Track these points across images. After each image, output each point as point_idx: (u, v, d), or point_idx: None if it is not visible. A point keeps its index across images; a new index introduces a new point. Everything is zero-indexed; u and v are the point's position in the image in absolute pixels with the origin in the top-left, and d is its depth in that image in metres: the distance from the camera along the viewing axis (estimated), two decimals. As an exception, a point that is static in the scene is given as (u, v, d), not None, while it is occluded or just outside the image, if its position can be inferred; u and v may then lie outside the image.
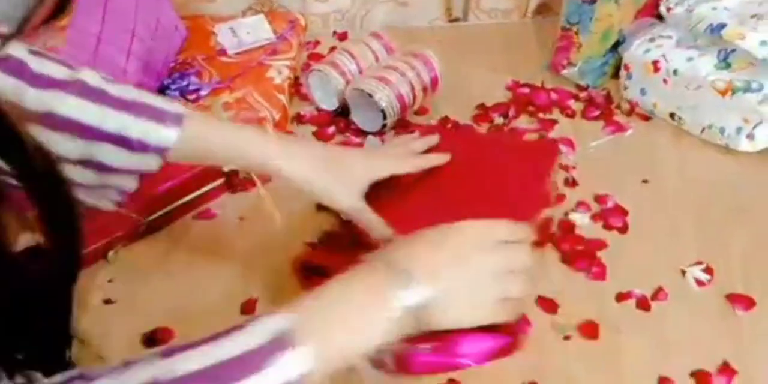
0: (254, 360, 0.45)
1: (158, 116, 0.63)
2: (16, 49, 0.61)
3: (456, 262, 0.54)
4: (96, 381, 0.43)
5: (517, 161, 0.80)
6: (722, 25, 0.85)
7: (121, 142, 0.62)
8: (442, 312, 0.52)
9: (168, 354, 0.45)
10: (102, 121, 0.61)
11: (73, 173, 0.62)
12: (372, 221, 0.69)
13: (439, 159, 0.78)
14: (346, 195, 0.69)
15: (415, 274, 0.51)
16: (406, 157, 0.77)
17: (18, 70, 0.60)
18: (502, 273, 0.56)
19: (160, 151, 0.64)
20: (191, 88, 0.98)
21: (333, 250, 0.73)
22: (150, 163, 0.64)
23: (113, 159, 0.62)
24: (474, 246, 0.55)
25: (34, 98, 0.60)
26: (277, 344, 0.45)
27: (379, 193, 0.72)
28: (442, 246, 0.55)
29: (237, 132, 0.68)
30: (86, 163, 0.62)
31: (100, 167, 0.63)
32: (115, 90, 0.63)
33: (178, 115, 0.64)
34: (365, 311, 0.51)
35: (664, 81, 0.90)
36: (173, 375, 0.43)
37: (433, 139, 0.81)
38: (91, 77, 0.63)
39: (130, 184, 0.66)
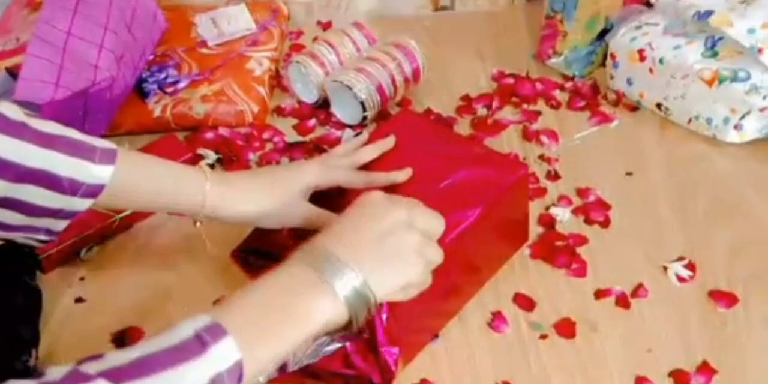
0: (183, 351, 0.44)
1: (89, 153, 0.59)
2: None
3: (378, 244, 0.55)
4: None
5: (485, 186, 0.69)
6: (710, 12, 0.83)
7: (48, 181, 0.57)
8: (379, 286, 0.54)
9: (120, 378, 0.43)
10: (24, 157, 0.56)
11: None
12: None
13: (386, 177, 0.70)
14: (291, 221, 0.67)
15: (343, 261, 0.53)
16: (348, 170, 0.71)
17: None
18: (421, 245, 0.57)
19: (94, 190, 0.59)
20: (169, 80, 0.97)
21: (269, 232, 0.70)
22: (81, 203, 0.60)
23: (40, 200, 0.58)
24: (392, 230, 0.56)
25: None
26: (207, 335, 0.45)
27: (325, 199, 0.69)
28: (364, 229, 0.56)
29: (171, 172, 0.65)
30: (11, 204, 0.57)
31: (26, 209, 0.58)
32: (38, 125, 0.58)
33: (109, 151, 0.60)
34: (299, 303, 0.51)
35: (650, 70, 0.87)
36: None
37: (388, 143, 0.73)
38: (11, 111, 0.57)
39: (59, 225, 0.62)
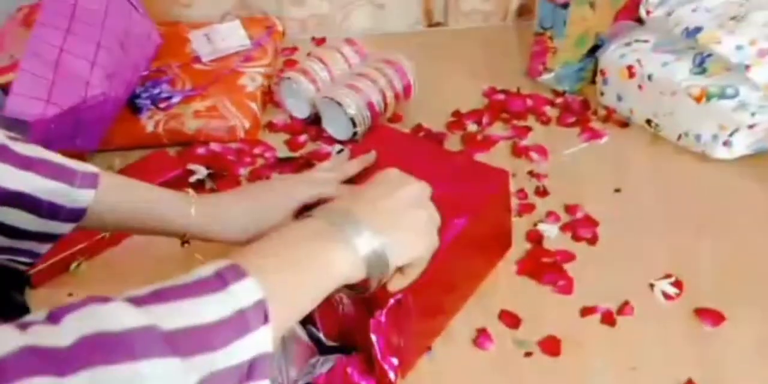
0: (203, 285, 0.43)
1: (69, 176, 0.59)
2: None
3: (395, 214, 0.56)
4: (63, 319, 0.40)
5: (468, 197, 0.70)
6: (698, 29, 0.83)
7: (29, 204, 0.57)
8: (394, 252, 0.54)
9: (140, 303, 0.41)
10: (4, 180, 0.56)
11: None
12: None
13: None
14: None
15: (363, 222, 0.53)
16: (333, 183, 0.71)
17: None
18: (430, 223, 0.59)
19: (75, 214, 0.60)
20: (163, 96, 0.98)
21: None
22: (62, 227, 0.60)
23: (22, 223, 0.58)
24: (408, 203, 0.58)
25: None
26: (227, 274, 0.44)
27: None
28: (382, 199, 0.57)
29: (155, 196, 0.65)
30: None
31: (8, 232, 0.58)
32: (19, 148, 0.58)
33: (90, 175, 0.61)
34: (320, 263, 0.51)
35: (639, 87, 0.87)
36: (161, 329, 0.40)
37: (370, 158, 0.74)
38: None
39: (42, 248, 0.62)
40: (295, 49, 1.10)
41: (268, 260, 0.48)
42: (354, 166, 0.73)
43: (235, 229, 0.66)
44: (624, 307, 0.72)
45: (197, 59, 1.04)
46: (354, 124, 0.90)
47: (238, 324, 0.42)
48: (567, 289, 0.74)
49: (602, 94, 0.94)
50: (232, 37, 1.05)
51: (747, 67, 0.79)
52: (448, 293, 0.71)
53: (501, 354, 0.69)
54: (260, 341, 0.43)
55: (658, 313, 0.71)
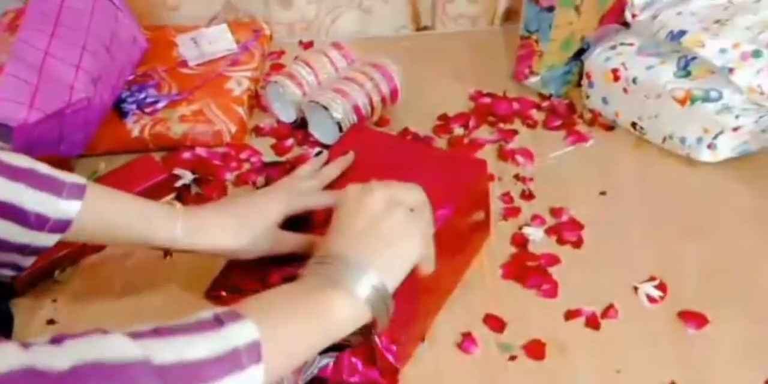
0: (200, 325, 0.45)
1: (56, 187, 0.59)
2: None
3: (374, 232, 0.57)
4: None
5: (445, 182, 0.71)
6: (682, 32, 0.83)
7: (14, 215, 0.57)
8: (391, 276, 0.56)
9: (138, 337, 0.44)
10: None
11: None
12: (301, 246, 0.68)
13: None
14: (266, 250, 0.68)
15: (354, 262, 0.54)
16: (315, 192, 0.72)
17: None
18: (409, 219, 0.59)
19: (61, 225, 0.60)
20: (148, 100, 0.97)
21: (243, 271, 0.71)
22: (47, 239, 0.60)
23: (6, 234, 0.58)
24: (379, 214, 0.58)
25: None
26: (225, 317, 0.46)
27: (297, 224, 0.70)
28: (355, 223, 0.57)
29: (141, 208, 0.65)
30: None
31: None
32: (5, 157, 0.58)
33: (77, 186, 0.61)
34: (323, 315, 0.52)
35: (625, 90, 0.88)
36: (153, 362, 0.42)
37: (348, 159, 0.75)
38: None
39: (26, 261, 0.62)
40: (282, 53, 1.10)
41: (267, 309, 0.50)
42: (333, 171, 0.73)
43: (222, 241, 0.66)
44: (608, 311, 0.72)
45: (184, 63, 1.04)
46: (340, 129, 0.90)
47: (231, 362, 0.44)
48: (551, 292, 0.74)
49: (588, 97, 0.94)
50: (219, 41, 1.05)
51: (731, 70, 0.80)
52: (434, 286, 0.71)
53: (485, 358, 0.69)
54: (252, 379, 0.45)
55: (643, 316, 0.72)
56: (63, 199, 0.59)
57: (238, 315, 0.47)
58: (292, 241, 0.68)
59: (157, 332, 0.44)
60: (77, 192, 0.60)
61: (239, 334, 0.45)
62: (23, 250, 0.60)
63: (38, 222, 0.58)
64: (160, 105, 0.97)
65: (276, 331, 0.48)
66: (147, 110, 0.96)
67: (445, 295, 0.74)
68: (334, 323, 0.53)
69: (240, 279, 0.70)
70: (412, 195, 0.61)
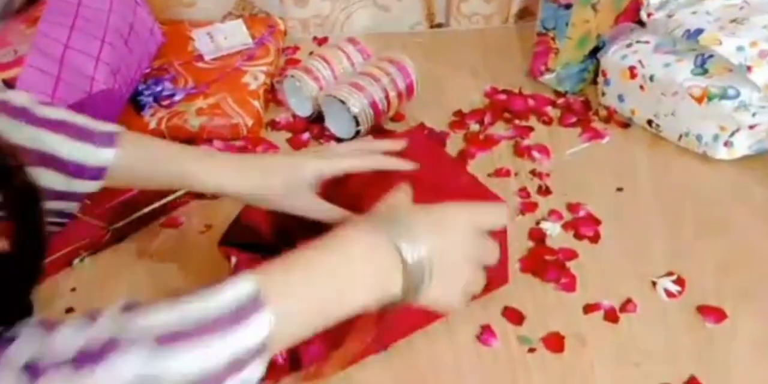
0: (217, 322, 0.45)
1: (89, 136, 0.61)
2: None
3: (449, 240, 0.54)
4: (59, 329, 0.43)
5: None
6: (699, 31, 0.84)
7: (53, 164, 0.59)
8: (427, 286, 0.52)
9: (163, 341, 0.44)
10: (29, 140, 0.58)
11: None
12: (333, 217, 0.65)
13: (402, 164, 0.68)
14: (298, 207, 0.66)
15: (417, 230, 0.51)
16: (364, 153, 0.69)
17: None
18: (477, 264, 0.56)
19: (98, 172, 0.61)
20: (165, 93, 0.98)
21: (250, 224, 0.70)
22: (87, 185, 0.62)
23: (53, 183, 0.60)
24: (465, 231, 0.55)
25: None
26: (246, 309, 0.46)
27: (333, 191, 0.67)
28: (438, 223, 0.54)
29: (177, 151, 0.66)
30: None
31: (43, 193, 0.60)
32: (43, 110, 0.60)
33: (110, 134, 0.62)
34: (364, 264, 0.50)
35: (641, 87, 0.88)
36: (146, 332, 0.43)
37: (400, 143, 0.71)
38: (18, 97, 0.60)
39: (71, 207, 0.63)
40: (296, 48, 1.11)
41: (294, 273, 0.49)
42: (383, 144, 0.70)
43: (252, 186, 0.65)
44: (627, 304, 0.72)
45: (200, 58, 1.04)
46: (357, 123, 0.90)
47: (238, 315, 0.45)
48: (570, 286, 0.75)
49: (603, 94, 0.94)
50: (235, 36, 1.06)
51: (748, 68, 0.80)
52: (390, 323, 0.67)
53: (505, 350, 0.70)
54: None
55: (661, 310, 0.72)
56: (98, 147, 0.61)
57: (259, 305, 0.46)
58: (326, 209, 0.66)
59: (176, 338, 0.43)
60: (112, 140, 0.62)
61: (253, 334, 0.45)
62: (68, 197, 0.62)
63: (77, 170, 0.61)
64: (177, 98, 0.97)
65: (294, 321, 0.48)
66: (164, 103, 0.97)
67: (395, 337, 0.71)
68: (362, 274, 0.50)
69: (253, 232, 0.69)
70: (494, 216, 0.58)
